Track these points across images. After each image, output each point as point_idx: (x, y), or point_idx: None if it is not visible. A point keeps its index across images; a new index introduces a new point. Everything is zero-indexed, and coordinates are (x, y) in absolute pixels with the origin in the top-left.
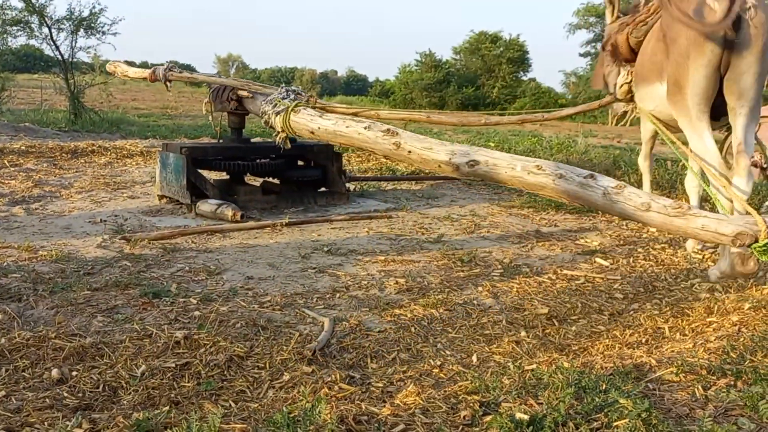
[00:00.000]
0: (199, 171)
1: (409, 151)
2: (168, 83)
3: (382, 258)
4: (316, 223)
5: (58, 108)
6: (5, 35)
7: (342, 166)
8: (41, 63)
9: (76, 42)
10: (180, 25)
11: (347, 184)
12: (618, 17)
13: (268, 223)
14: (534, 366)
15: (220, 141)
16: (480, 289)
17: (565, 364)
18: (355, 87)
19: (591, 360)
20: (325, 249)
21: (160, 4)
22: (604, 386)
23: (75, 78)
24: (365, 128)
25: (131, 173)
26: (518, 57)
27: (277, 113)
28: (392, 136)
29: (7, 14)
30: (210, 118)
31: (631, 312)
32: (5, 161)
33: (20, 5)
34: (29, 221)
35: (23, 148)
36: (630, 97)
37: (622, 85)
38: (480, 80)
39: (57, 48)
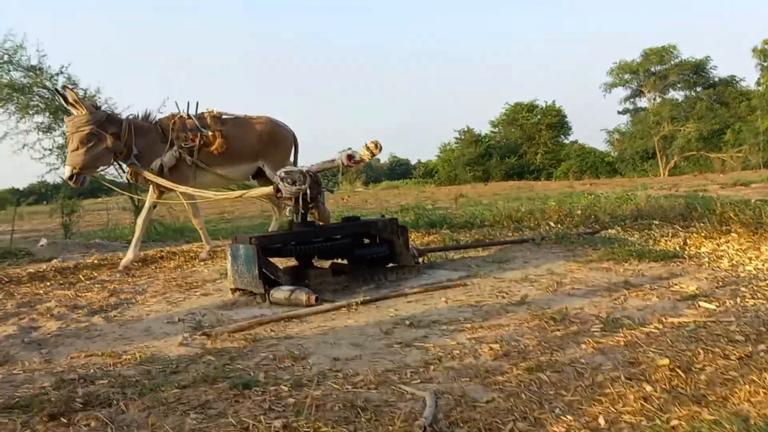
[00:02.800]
0: (270, 259)
1: None
2: None
3: (468, 326)
4: (391, 299)
5: (124, 224)
6: None
7: (408, 239)
8: (104, 187)
9: None
10: None
11: (416, 257)
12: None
13: (343, 304)
14: (676, 422)
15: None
16: (584, 346)
17: (708, 416)
18: (398, 171)
19: (740, 409)
20: (407, 323)
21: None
22: None
23: (139, 195)
24: None
25: (201, 273)
26: (557, 122)
27: None
28: None
29: None
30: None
31: (761, 353)
32: (80, 276)
33: None
34: (109, 328)
35: (96, 261)
36: None
37: None
38: (522, 149)
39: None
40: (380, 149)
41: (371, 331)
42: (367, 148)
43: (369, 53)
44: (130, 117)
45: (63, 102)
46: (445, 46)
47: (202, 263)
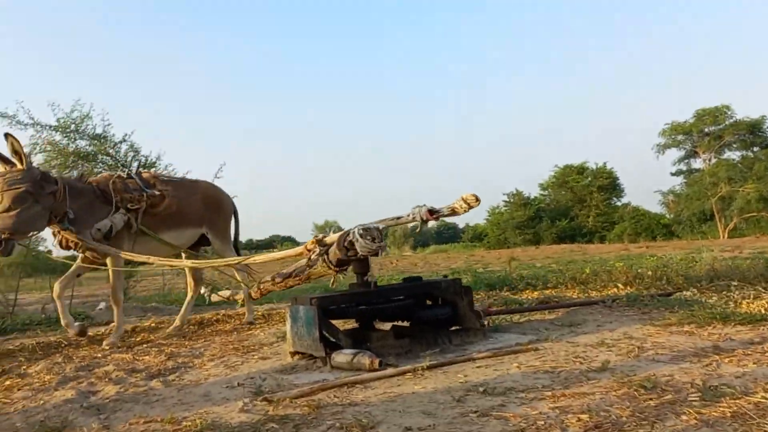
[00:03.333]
0: (330, 321)
1: None
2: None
3: (548, 393)
4: (459, 363)
5: (179, 289)
6: None
7: (473, 301)
8: None
9: None
10: (278, 197)
11: (481, 320)
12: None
13: (409, 369)
14: None
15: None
16: (685, 417)
17: None
18: (446, 235)
19: None
20: (480, 390)
21: (261, 180)
22: None
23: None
24: None
25: (257, 336)
26: (609, 184)
27: None
28: None
29: None
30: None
31: None
32: (137, 339)
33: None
34: (168, 393)
35: (152, 325)
36: None
37: None
38: (572, 212)
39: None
40: (479, 202)
41: (442, 398)
42: (465, 200)
43: (413, 118)
44: (64, 177)
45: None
46: (493, 106)
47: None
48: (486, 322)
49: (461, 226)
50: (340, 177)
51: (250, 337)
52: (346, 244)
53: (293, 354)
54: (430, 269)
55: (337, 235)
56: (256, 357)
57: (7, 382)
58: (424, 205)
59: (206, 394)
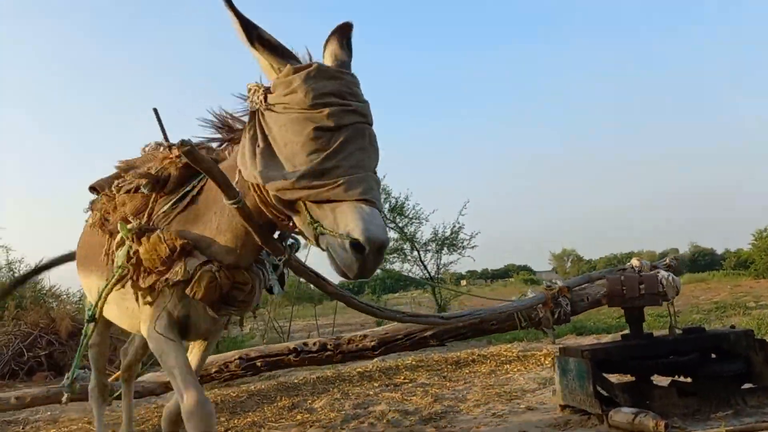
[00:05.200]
0: (604, 375)
1: None
2: None
3: None
4: (763, 431)
5: None
6: (384, 263)
7: None
8: (401, 282)
9: (440, 260)
10: (509, 223)
11: None
12: None
13: None
14: None
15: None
16: None
17: None
18: (702, 263)
19: None
20: None
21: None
22: None
23: (440, 292)
24: None
25: (516, 380)
26: None
27: None
28: None
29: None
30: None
31: None
32: (402, 377)
33: (395, 235)
34: None
35: (413, 363)
36: None
37: None
38: None
39: (425, 267)
40: None
41: None
42: None
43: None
44: None
45: None
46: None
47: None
48: None
49: (719, 251)
50: (570, 197)
51: (509, 381)
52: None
53: (563, 408)
54: (687, 302)
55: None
56: (522, 406)
57: (299, 417)
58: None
59: None
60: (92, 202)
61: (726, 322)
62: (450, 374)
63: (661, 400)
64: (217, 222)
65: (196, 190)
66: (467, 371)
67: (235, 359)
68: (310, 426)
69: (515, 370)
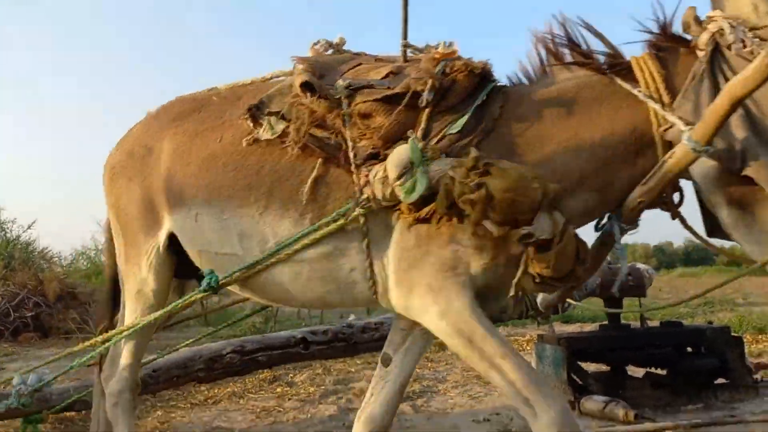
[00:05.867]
0: (579, 364)
1: None
2: None
3: None
4: (728, 426)
5: None
6: None
7: (744, 352)
8: None
9: None
10: None
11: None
12: None
13: (669, 425)
14: None
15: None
16: None
17: None
18: (695, 257)
19: None
20: None
21: None
22: None
23: None
24: None
25: None
26: None
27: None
28: None
29: None
30: None
31: None
32: None
33: None
34: (418, 419)
35: None
36: None
37: None
38: None
39: None
40: None
41: None
42: None
43: None
44: None
45: None
46: None
47: None
48: (758, 377)
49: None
50: None
51: None
52: None
53: None
54: (677, 296)
55: None
56: (498, 390)
57: (279, 389)
58: None
59: (454, 427)
60: (258, 108)
61: (712, 317)
62: (433, 355)
63: (633, 391)
64: (581, 167)
65: (497, 111)
66: (450, 353)
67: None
68: (289, 399)
69: None
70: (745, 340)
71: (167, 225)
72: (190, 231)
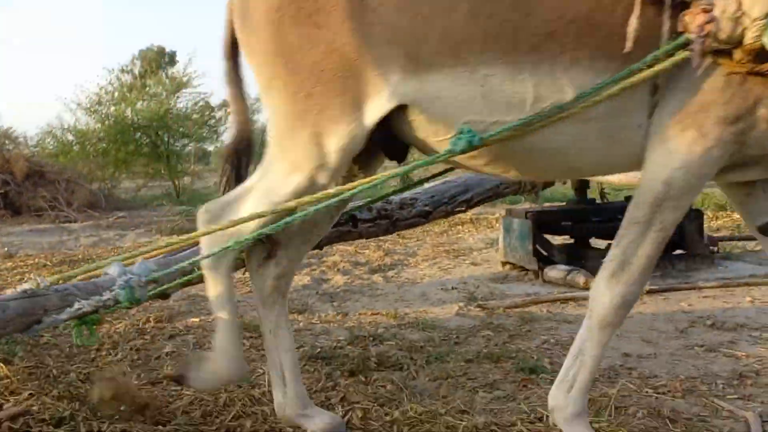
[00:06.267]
0: (545, 236)
1: None
2: None
3: None
4: (682, 291)
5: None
6: None
7: (702, 225)
8: None
9: None
10: None
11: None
12: None
13: None
14: None
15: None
16: None
17: None
18: None
19: None
20: (707, 323)
21: None
22: None
23: None
24: None
25: (466, 240)
26: None
27: None
28: None
29: None
30: None
31: None
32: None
33: None
34: (389, 288)
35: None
36: None
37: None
38: None
39: None
40: None
41: (662, 326)
42: None
43: None
44: None
45: None
46: None
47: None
48: (715, 249)
49: None
50: None
51: (459, 240)
52: None
53: (504, 263)
54: None
55: None
56: (467, 262)
57: None
58: None
59: (423, 294)
60: None
61: None
62: (404, 232)
63: (595, 260)
64: None
65: None
66: (420, 230)
67: None
68: None
69: (467, 231)
70: (706, 216)
71: (391, 94)
72: (457, 99)
